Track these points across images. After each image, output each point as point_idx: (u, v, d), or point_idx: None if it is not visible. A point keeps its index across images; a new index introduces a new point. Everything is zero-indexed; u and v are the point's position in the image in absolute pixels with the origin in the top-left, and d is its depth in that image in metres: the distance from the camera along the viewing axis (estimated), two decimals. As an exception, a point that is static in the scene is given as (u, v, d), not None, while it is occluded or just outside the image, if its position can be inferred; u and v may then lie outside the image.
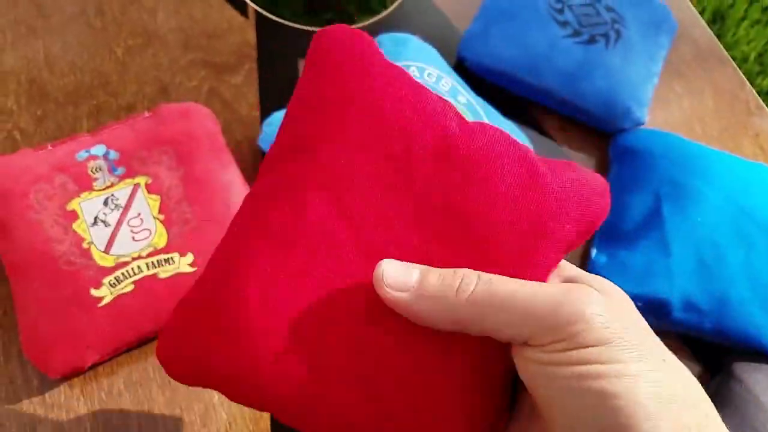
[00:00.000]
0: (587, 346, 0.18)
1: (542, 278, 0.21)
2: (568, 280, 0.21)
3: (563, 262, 0.22)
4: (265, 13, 0.48)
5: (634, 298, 0.39)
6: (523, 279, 0.20)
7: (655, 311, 0.40)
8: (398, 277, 0.20)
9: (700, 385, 0.19)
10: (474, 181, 0.21)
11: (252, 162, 0.42)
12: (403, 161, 0.21)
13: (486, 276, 0.20)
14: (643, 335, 0.19)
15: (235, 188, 0.37)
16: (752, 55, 1.05)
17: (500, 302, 0.19)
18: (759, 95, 0.67)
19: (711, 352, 0.40)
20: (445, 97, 0.23)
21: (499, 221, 0.21)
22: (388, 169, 0.21)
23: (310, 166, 0.21)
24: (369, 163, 0.21)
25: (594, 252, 0.42)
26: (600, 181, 0.22)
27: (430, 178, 0.21)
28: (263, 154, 0.41)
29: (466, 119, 0.22)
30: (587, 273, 0.22)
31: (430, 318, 0.20)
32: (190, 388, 0.34)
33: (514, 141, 0.22)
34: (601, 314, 0.18)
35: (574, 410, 0.18)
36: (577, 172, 0.22)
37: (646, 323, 0.20)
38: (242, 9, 0.48)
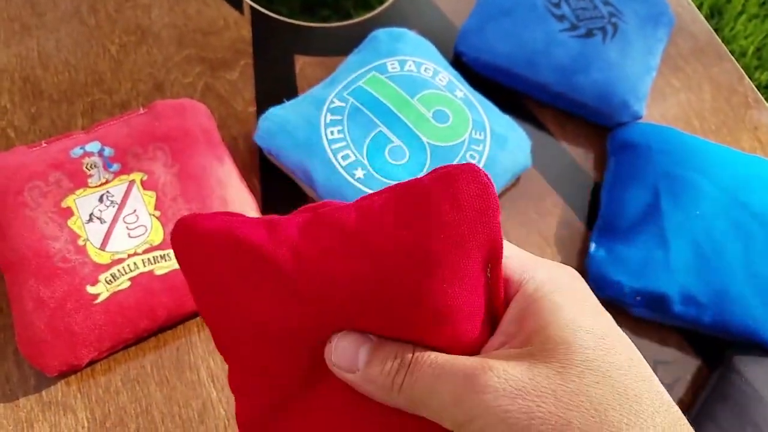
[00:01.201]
0: None
1: (482, 298, 0.20)
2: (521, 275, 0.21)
3: (508, 256, 0.21)
4: (260, 9, 0.48)
5: (634, 293, 0.39)
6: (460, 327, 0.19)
7: (654, 305, 0.39)
8: (346, 359, 0.20)
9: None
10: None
11: (248, 158, 0.42)
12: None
13: (415, 362, 0.19)
14: (555, 418, 0.18)
15: (231, 184, 0.37)
16: (750, 50, 1.05)
17: (422, 392, 0.19)
18: (757, 89, 0.67)
19: (711, 346, 0.40)
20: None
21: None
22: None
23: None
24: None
25: (593, 246, 0.42)
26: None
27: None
28: (259, 149, 0.41)
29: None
30: (536, 261, 0.21)
31: (381, 398, 0.20)
32: (187, 385, 0.34)
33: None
34: (498, 403, 0.18)
35: None
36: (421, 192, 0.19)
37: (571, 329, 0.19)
38: (237, 5, 0.48)
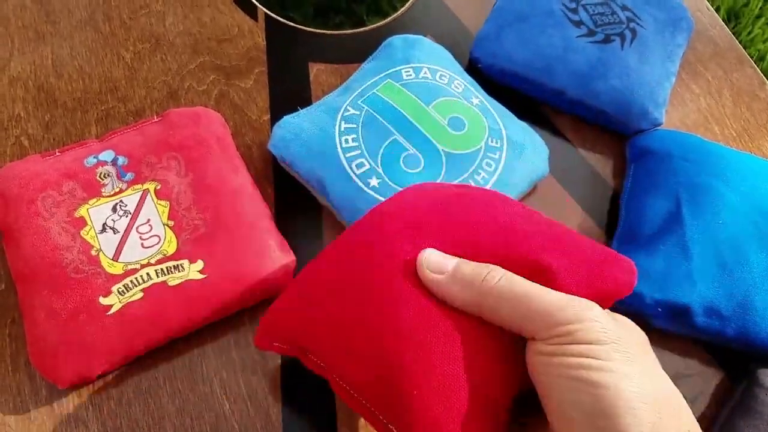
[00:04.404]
0: (583, 343, 0.21)
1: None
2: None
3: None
4: (274, 16, 0.48)
5: (655, 304, 0.38)
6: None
7: (676, 317, 0.38)
8: (438, 262, 0.24)
9: (682, 397, 0.21)
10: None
11: (262, 166, 0.41)
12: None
13: (509, 274, 0.23)
14: (638, 349, 0.21)
15: (245, 193, 0.37)
16: (768, 54, 1.03)
17: (516, 296, 0.22)
18: (777, 94, 0.66)
19: (735, 359, 0.39)
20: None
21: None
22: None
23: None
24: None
25: (612, 256, 0.41)
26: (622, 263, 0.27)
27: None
28: (273, 157, 0.41)
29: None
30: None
31: (459, 299, 0.23)
32: (200, 397, 0.33)
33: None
34: (598, 321, 0.21)
35: (566, 395, 0.21)
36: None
37: (647, 345, 0.23)
38: (252, 13, 0.48)
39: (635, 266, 0.26)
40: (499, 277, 0.23)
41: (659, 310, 0.38)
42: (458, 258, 0.25)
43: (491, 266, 0.24)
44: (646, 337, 0.24)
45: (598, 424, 0.20)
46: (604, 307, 0.24)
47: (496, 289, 0.23)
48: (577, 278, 0.24)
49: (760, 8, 1.08)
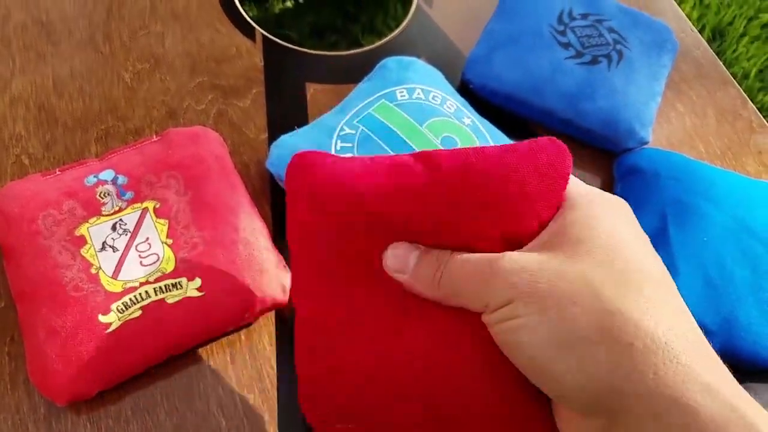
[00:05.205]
0: (500, 307, 0.21)
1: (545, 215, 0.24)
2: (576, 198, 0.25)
3: (571, 185, 0.25)
4: (272, 37, 0.49)
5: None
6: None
7: (664, 332, 0.39)
8: (399, 262, 0.24)
9: (622, 315, 0.20)
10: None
11: (259, 184, 0.42)
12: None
13: (450, 261, 0.23)
14: (552, 287, 0.21)
15: (243, 212, 0.38)
16: (753, 72, 1.06)
17: (456, 282, 0.23)
18: (760, 111, 0.68)
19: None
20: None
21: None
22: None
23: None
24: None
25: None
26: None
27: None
28: (270, 176, 0.42)
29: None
30: (590, 190, 0.25)
31: (426, 293, 0.24)
32: (197, 414, 0.34)
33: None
34: (506, 277, 0.22)
35: (514, 360, 0.22)
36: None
37: (591, 242, 0.22)
38: (250, 34, 0.49)
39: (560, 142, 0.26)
40: (441, 268, 0.23)
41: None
42: (419, 251, 0.24)
43: (438, 255, 0.24)
44: (618, 204, 0.24)
45: (536, 381, 0.21)
46: (560, 190, 0.24)
47: (443, 282, 0.23)
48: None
49: (745, 27, 1.11)
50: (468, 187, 0.24)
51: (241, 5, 0.51)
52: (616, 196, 0.25)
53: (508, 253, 0.22)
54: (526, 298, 0.21)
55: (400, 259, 0.24)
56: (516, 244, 0.24)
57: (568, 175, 0.25)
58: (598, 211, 0.23)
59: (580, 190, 0.25)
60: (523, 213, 0.24)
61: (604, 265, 0.21)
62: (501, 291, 0.21)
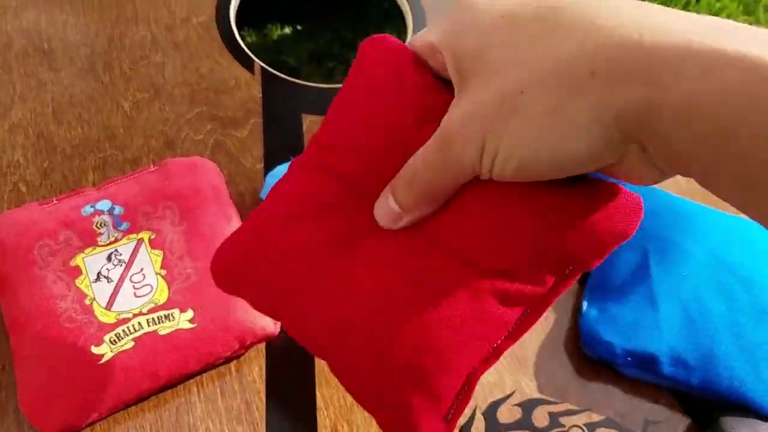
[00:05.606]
0: (481, 156, 0.20)
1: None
2: None
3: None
4: (270, 69, 0.50)
5: (625, 353, 0.40)
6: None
7: (644, 366, 0.40)
8: (386, 216, 0.23)
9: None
10: None
11: (253, 215, 0.43)
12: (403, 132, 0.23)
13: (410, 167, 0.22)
14: (481, 55, 0.19)
15: (237, 244, 0.38)
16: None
17: (429, 176, 0.21)
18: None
19: (701, 407, 0.41)
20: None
21: None
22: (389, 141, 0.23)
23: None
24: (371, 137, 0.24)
25: (585, 305, 0.43)
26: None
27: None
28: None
29: None
30: None
31: (424, 211, 0.22)
32: (186, 446, 0.34)
33: None
34: (462, 130, 0.20)
35: (552, 169, 0.20)
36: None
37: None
38: (249, 66, 0.50)
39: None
40: (411, 182, 0.22)
41: (629, 359, 0.40)
42: (388, 190, 0.23)
43: (405, 175, 0.22)
44: None
45: (577, 163, 0.19)
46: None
47: (425, 191, 0.22)
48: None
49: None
50: None
51: (240, 32, 0.52)
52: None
53: (444, 118, 0.21)
54: (495, 125, 0.19)
55: (387, 213, 0.23)
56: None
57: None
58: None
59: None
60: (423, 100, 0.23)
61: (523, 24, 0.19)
62: (471, 145, 0.20)
